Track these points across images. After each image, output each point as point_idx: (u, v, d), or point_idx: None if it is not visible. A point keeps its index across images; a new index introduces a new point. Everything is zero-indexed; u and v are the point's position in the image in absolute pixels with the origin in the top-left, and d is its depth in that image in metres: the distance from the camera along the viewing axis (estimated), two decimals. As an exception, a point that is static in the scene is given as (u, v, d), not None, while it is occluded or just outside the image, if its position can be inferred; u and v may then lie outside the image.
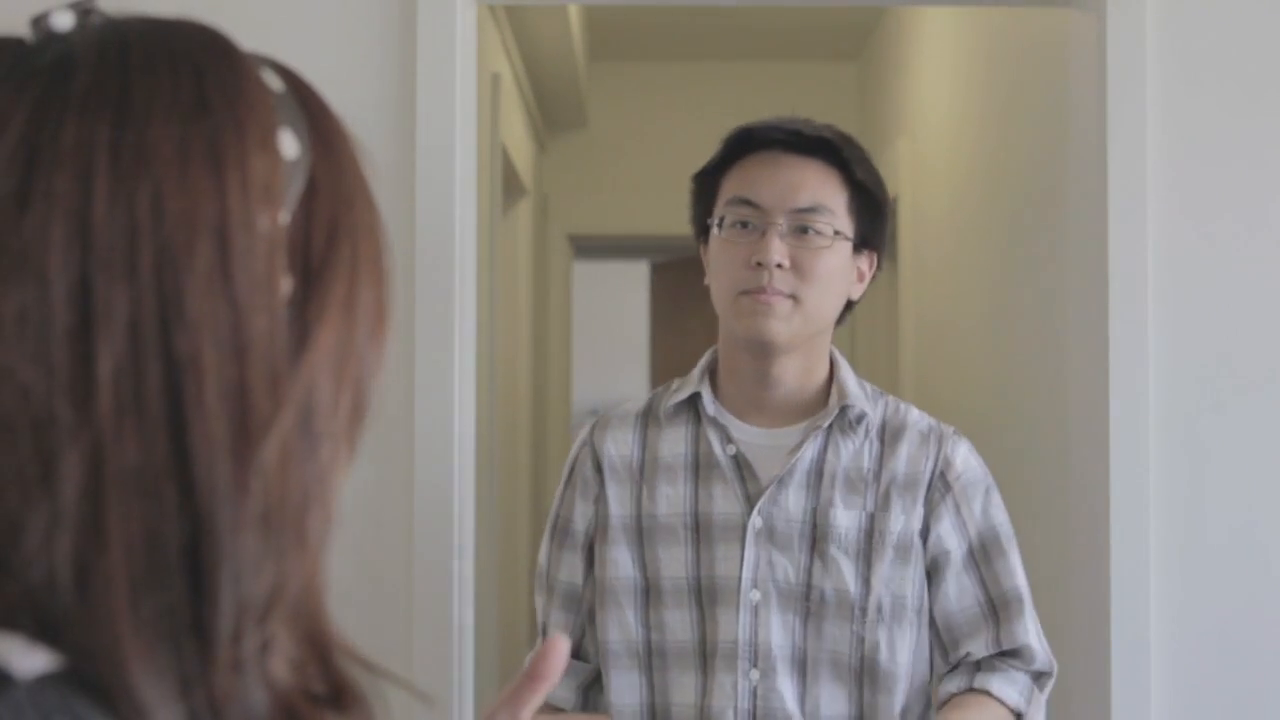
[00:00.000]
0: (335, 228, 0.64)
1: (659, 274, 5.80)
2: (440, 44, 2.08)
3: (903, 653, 1.63)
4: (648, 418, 1.75)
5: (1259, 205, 2.09)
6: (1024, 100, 2.79)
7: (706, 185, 1.73)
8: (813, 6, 4.09)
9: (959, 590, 1.67)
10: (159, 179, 0.59)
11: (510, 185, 4.06)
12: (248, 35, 0.72)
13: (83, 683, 0.56)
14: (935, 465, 1.68)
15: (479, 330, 2.90)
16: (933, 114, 3.68)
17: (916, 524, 1.66)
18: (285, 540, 0.60)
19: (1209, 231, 2.09)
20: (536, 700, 0.90)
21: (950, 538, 1.67)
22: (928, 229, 3.71)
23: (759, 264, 1.62)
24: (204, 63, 0.63)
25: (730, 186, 1.68)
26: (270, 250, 0.61)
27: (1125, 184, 2.07)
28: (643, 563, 1.69)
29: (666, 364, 5.70)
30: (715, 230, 1.67)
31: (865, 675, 1.63)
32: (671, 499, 1.69)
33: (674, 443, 1.71)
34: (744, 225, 1.65)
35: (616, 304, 8.14)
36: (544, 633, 1.78)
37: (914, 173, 3.85)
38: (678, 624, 1.66)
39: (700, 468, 1.69)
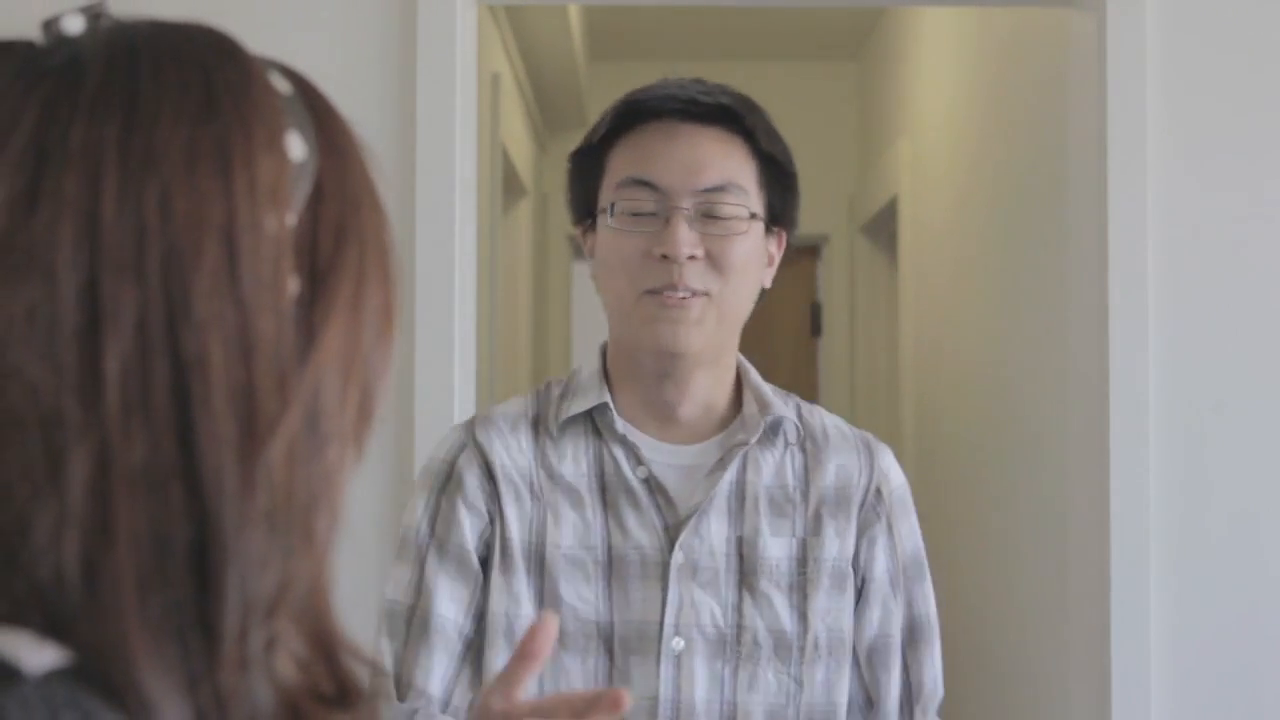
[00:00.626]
0: (342, 230, 0.64)
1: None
2: (440, 44, 2.08)
3: (842, 694, 1.43)
4: (538, 427, 1.45)
5: (1259, 205, 2.09)
6: (1024, 100, 2.79)
7: (588, 164, 1.46)
8: (813, 7, 4.09)
9: (884, 615, 1.46)
10: (167, 180, 0.59)
11: (510, 185, 4.06)
12: (248, 36, 0.72)
13: (91, 679, 0.57)
14: (870, 478, 1.47)
15: (479, 330, 2.90)
16: (933, 114, 3.68)
17: (850, 547, 1.44)
18: (292, 539, 0.60)
19: (1209, 230, 2.09)
20: (529, 679, 0.91)
21: (881, 559, 1.46)
22: (928, 229, 3.71)
23: (665, 257, 1.37)
24: (212, 65, 0.63)
25: (620, 165, 1.42)
26: (277, 251, 0.61)
27: (1125, 183, 2.07)
28: (540, 600, 1.40)
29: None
30: (605, 218, 1.41)
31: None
32: (578, 528, 1.41)
33: (574, 460, 1.43)
34: (640, 212, 1.39)
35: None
36: (399, 689, 1.40)
37: (914, 173, 3.85)
38: (579, 676, 1.39)
39: (607, 492, 1.42)
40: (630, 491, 1.41)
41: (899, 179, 3.94)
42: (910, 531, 1.49)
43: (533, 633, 0.90)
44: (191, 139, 0.60)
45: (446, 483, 1.43)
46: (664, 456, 1.43)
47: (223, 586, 0.58)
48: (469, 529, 1.41)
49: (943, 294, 3.52)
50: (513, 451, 1.43)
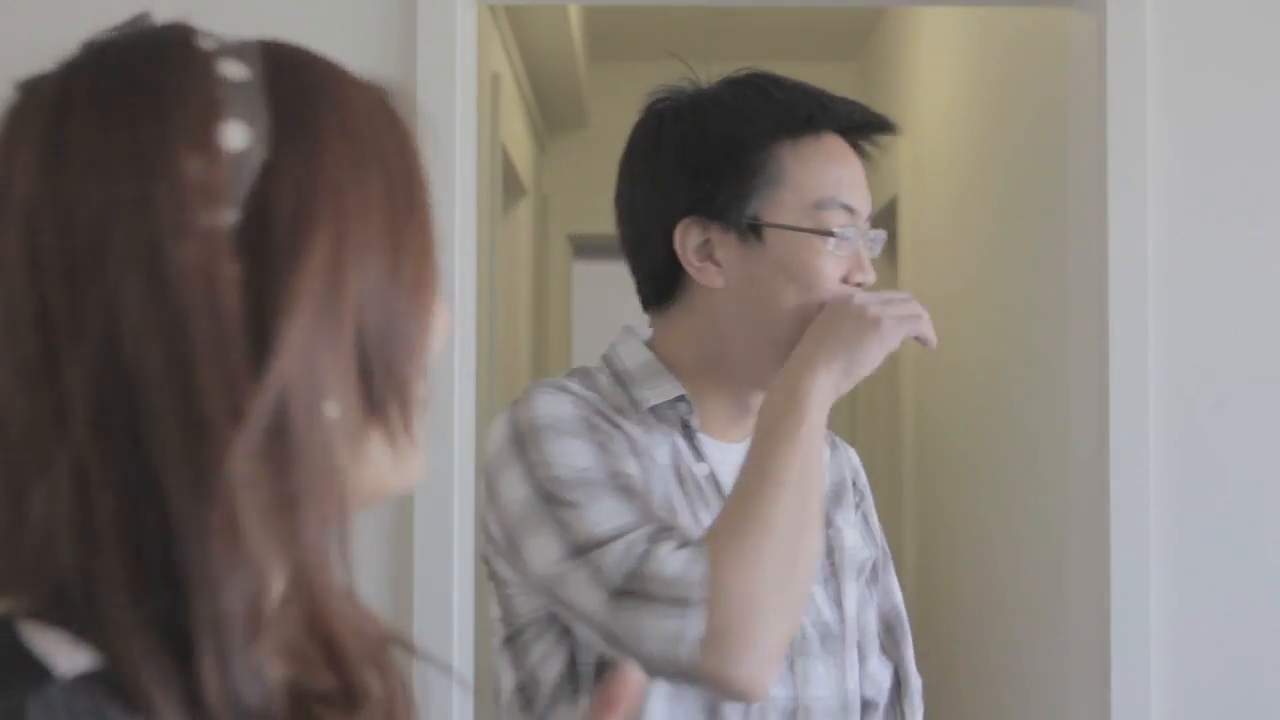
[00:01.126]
0: (302, 217, 0.62)
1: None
2: (440, 44, 2.08)
3: (856, 678, 1.43)
4: (614, 410, 1.37)
5: (1259, 204, 2.09)
6: (1024, 100, 2.79)
7: (737, 158, 1.35)
8: (813, 6, 4.09)
9: (861, 608, 1.45)
10: (93, 191, 0.60)
11: (510, 185, 4.06)
12: (247, 35, 0.72)
13: (120, 684, 0.57)
14: (849, 473, 1.48)
15: (479, 330, 2.89)
16: (933, 114, 3.68)
17: (856, 537, 1.45)
18: (269, 544, 0.59)
19: (1209, 230, 2.09)
20: None
21: (861, 551, 1.45)
22: (928, 229, 3.71)
23: (860, 285, 1.35)
24: (140, 67, 0.63)
25: (811, 179, 1.35)
26: (210, 251, 0.60)
27: (1125, 183, 2.07)
28: None
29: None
30: (817, 240, 1.33)
31: (861, 715, 1.41)
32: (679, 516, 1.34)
33: (654, 446, 1.36)
34: (840, 236, 1.34)
35: (616, 304, 8.14)
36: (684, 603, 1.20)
37: (914, 173, 3.85)
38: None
39: (679, 484, 1.36)
40: (699, 487, 1.36)
41: (899, 179, 3.94)
42: (877, 523, 1.52)
43: (616, 682, 0.85)
44: (109, 146, 0.60)
45: (594, 433, 1.31)
46: (717, 454, 1.39)
47: (191, 595, 0.58)
48: (641, 476, 1.31)
49: (943, 294, 3.52)
50: (624, 425, 1.35)
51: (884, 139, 1.55)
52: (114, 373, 0.58)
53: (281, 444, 0.60)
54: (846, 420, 4.83)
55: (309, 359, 0.61)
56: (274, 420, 0.60)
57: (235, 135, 0.62)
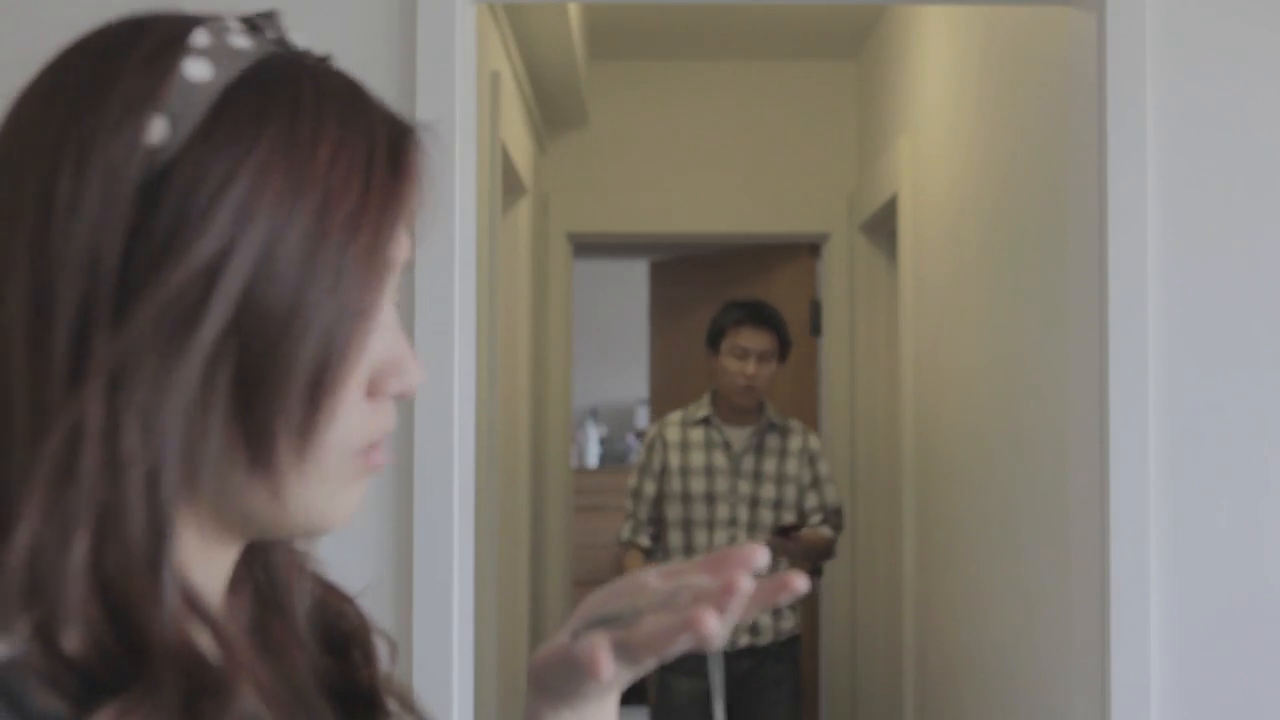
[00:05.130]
0: (184, 220, 0.64)
1: (658, 272, 5.78)
2: (440, 43, 2.08)
3: None
4: None
5: (1259, 201, 2.09)
6: (1024, 98, 2.79)
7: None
8: (813, 5, 4.09)
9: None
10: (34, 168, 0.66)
11: (510, 185, 4.05)
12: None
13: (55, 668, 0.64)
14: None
15: (479, 330, 2.90)
16: (933, 112, 3.68)
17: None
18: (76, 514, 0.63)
19: (1209, 227, 2.09)
20: None
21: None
22: (927, 227, 3.71)
23: None
24: (100, 59, 0.66)
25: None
26: (97, 231, 0.64)
27: (1124, 180, 2.07)
28: None
29: (666, 363, 5.69)
30: None
31: None
32: None
33: None
34: None
35: (616, 303, 8.14)
36: None
37: (914, 171, 3.85)
38: None
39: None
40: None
41: (899, 177, 3.94)
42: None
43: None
44: (48, 128, 0.65)
45: None
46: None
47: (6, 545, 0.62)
48: None
49: (943, 292, 3.52)
50: None
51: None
52: None
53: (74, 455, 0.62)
54: (846, 420, 4.82)
55: (145, 365, 0.63)
56: (69, 443, 0.62)
57: (157, 130, 0.64)
